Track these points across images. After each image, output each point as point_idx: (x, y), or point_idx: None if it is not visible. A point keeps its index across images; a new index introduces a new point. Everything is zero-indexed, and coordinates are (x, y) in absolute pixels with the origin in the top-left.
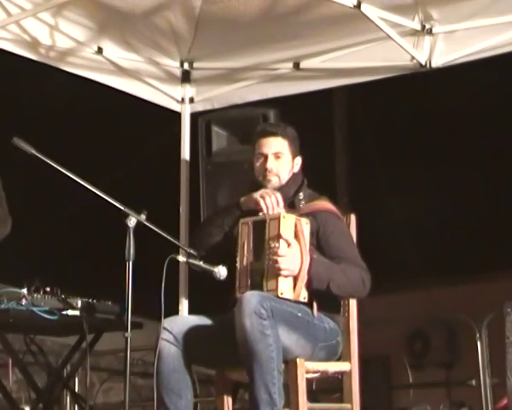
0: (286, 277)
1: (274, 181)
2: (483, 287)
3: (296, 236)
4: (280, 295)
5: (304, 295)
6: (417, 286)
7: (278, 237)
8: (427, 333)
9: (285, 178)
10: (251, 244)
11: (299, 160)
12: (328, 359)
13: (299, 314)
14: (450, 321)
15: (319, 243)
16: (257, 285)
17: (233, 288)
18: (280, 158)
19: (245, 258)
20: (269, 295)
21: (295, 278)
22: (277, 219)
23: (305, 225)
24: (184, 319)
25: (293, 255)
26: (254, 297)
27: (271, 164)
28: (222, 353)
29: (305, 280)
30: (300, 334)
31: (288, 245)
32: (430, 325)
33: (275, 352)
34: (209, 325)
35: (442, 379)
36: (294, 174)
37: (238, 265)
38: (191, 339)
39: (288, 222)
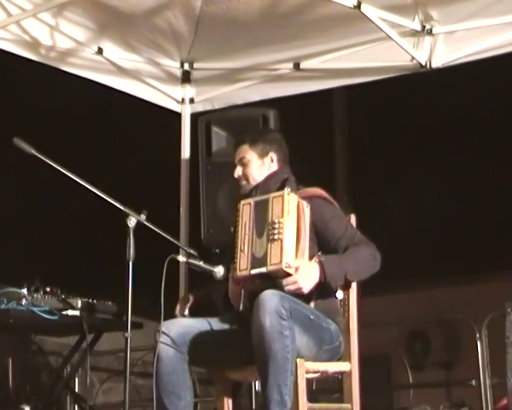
0: (289, 249)
1: (243, 185)
2: (483, 287)
3: (298, 213)
4: (285, 268)
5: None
6: (417, 286)
7: (282, 213)
8: (427, 333)
9: (256, 178)
10: (252, 223)
11: (271, 156)
12: (330, 361)
13: (312, 317)
14: (450, 321)
15: (317, 231)
16: (259, 262)
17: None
18: (245, 162)
19: (246, 236)
20: (287, 296)
21: (296, 251)
22: (281, 196)
23: (306, 208)
24: (181, 321)
25: (295, 234)
26: (275, 296)
27: (237, 171)
28: (221, 354)
29: (305, 254)
30: (310, 336)
31: (292, 221)
32: (430, 325)
33: (290, 354)
34: (207, 327)
35: (442, 379)
36: (274, 172)
37: (238, 244)
38: (189, 341)
39: (291, 199)
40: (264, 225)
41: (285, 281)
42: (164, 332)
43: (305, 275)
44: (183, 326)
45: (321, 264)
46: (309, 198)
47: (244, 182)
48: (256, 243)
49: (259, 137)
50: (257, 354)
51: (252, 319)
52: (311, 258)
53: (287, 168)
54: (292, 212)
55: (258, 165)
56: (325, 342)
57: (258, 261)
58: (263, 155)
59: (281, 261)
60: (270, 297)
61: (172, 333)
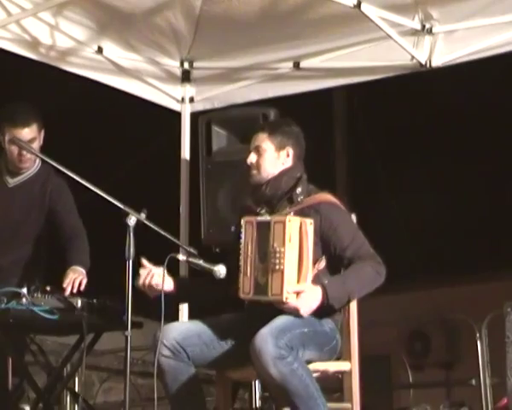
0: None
1: (254, 174)
2: (483, 287)
3: (300, 238)
4: (285, 299)
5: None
6: (417, 286)
7: (283, 241)
8: (427, 333)
9: (268, 171)
10: (255, 245)
11: (288, 151)
12: (329, 359)
13: (306, 330)
14: (450, 321)
15: (322, 238)
16: (261, 290)
17: (234, 284)
18: (260, 152)
19: (249, 258)
20: (277, 329)
21: (298, 276)
22: (282, 222)
23: (310, 226)
24: (177, 326)
25: (297, 260)
26: (268, 344)
27: (251, 158)
28: (220, 354)
29: (308, 277)
30: (311, 348)
31: (294, 248)
32: (430, 325)
33: (308, 378)
34: (204, 329)
35: (442, 379)
36: (288, 168)
37: (242, 264)
38: (187, 346)
39: (293, 225)
40: (266, 249)
41: (286, 307)
42: (162, 342)
43: (307, 299)
44: (178, 332)
45: (324, 288)
46: (317, 205)
47: (255, 171)
48: (259, 269)
49: (279, 129)
50: (281, 398)
51: (256, 369)
52: (314, 262)
53: (300, 166)
54: (294, 238)
55: (274, 157)
56: (325, 345)
57: (260, 288)
58: (280, 147)
59: (281, 293)
60: (265, 349)
61: (169, 343)
